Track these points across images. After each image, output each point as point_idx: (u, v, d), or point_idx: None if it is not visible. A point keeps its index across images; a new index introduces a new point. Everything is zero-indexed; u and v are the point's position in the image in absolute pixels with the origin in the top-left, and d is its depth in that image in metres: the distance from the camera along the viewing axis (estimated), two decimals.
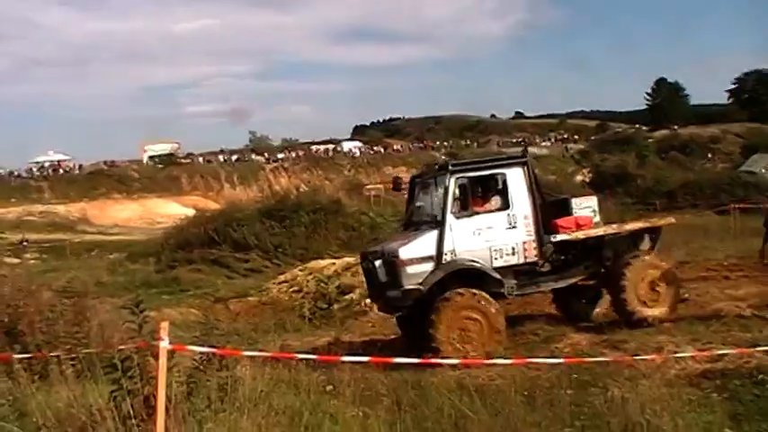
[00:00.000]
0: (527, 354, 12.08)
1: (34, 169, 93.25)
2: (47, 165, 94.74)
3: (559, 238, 14.12)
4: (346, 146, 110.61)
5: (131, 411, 5.92)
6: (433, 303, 13.07)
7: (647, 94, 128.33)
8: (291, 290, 24.01)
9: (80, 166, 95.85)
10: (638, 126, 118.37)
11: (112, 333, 11.63)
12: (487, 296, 13.19)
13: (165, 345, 5.19)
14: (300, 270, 25.82)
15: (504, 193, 14.04)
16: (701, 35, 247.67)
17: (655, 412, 7.31)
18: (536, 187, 14.37)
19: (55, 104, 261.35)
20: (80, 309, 12.01)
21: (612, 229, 14.57)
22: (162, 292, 29.59)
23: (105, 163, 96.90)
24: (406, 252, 13.57)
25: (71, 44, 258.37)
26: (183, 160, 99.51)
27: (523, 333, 14.07)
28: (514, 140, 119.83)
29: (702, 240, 22.72)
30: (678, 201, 55.05)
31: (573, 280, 14.59)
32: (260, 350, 11.74)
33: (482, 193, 14.42)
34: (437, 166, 14.93)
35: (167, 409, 5.64)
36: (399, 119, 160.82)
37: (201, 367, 6.96)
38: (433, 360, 8.81)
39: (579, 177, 75.65)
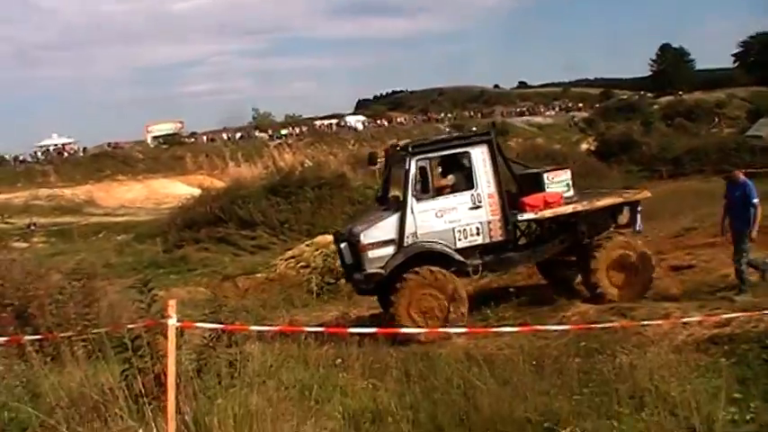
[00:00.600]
0: (535, 323, 12.09)
1: (39, 153, 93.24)
2: (51, 148, 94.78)
3: (525, 217, 13.98)
4: (350, 120, 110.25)
5: (142, 389, 5.96)
6: (393, 284, 13.14)
7: (652, 60, 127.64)
8: (299, 265, 24.00)
9: (84, 149, 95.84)
10: (642, 93, 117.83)
11: (122, 313, 11.74)
12: (446, 273, 13.14)
13: (173, 323, 5.22)
14: (307, 245, 25.78)
15: (468, 172, 13.81)
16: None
17: (663, 378, 7.33)
18: (505, 164, 14.33)
19: (58, 88, 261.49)
20: (89, 290, 12.07)
21: (582, 205, 14.04)
22: (170, 272, 29.76)
23: (109, 145, 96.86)
24: (367, 236, 13.53)
25: (72, 26, 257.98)
26: (186, 140, 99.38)
27: (531, 302, 14.04)
28: (518, 110, 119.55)
29: (709, 206, 22.53)
30: (684, 167, 54.78)
31: (547, 255, 14.54)
32: (269, 326, 11.81)
33: (446, 172, 14.33)
34: (398, 148, 14.62)
35: (178, 387, 5.67)
36: (403, 92, 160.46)
37: (211, 344, 7.01)
38: (441, 330, 8.79)
39: (584, 146, 75.27)
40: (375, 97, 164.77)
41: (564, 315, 12.82)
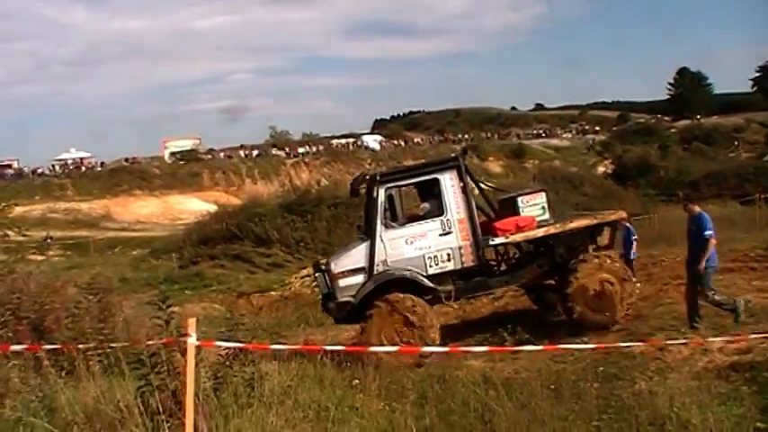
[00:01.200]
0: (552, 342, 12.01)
1: (57, 167, 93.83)
2: (69, 162, 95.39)
3: (497, 241, 13.94)
4: (367, 139, 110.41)
5: (159, 407, 5.92)
6: (364, 312, 13.18)
7: (670, 83, 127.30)
8: (314, 284, 23.98)
9: (102, 164, 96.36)
10: (659, 116, 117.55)
11: (137, 329, 11.74)
12: (416, 299, 13.13)
13: (192, 341, 5.20)
14: None
15: (438, 198, 13.75)
16: (724, 23, 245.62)
17: (684, 405, 7.24)
18: (478, 188, 14.57)
19: (77, 102, 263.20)
20: (105, 305, 12.07)
21: (555, 228, 13.94)
22: (185, 288, 29.76)
23: (127, 160, 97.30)
24: (337, 265, 13.71)
25: (93, 43, 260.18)
26: (203, 156, 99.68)
27: (547, 325, 13.95)
28: (535, 132, 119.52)
29: (727, 231, 22.37)
30: (702, 191, 54.38)
31: (525, 280, 14.51)
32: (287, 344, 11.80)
33: (421, 200, 14.38)
34: (367, 177, 14.56)
35: (195, 405, 5.63)
36: (420, 112, 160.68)
37: (228, 362, 6.98)
38: (462, 348, 8.73)
39: (601, 169, 75.12)
40: (392, 117, 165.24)
41: (582, 340, 12.70)
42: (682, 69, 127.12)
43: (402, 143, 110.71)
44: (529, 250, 14.74)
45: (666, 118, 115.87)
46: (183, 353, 6.29)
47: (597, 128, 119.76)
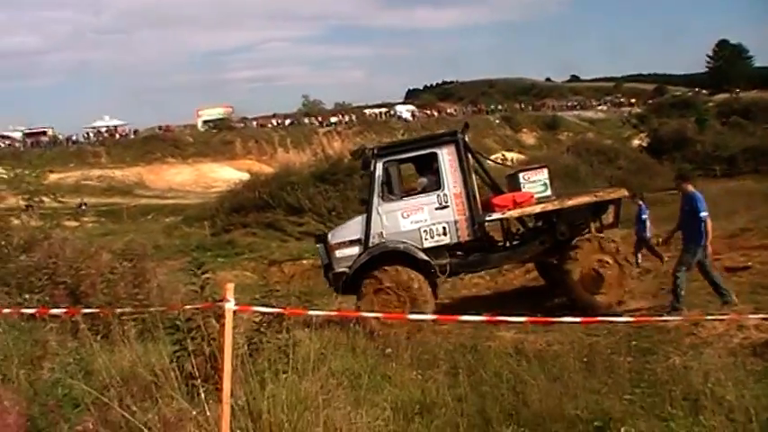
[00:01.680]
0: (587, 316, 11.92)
1: (91, 134, 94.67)
2: (103, 130, 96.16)
3: (493, 217, 13.96)
4: (399, 109, 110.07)
5: (195, 371, 5.97)
6: (359, 283, 13.32)
7: (709, 56, 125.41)
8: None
9: (135, 132, 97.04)
10: (697, 89, 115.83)
11: (171, 295, 11.86)
12: (410, 272, 13.22)
13: (230, 306, 5.23)
14: None
15: (437, 173, 13.79)
16: None
17: (719, 381, 7.14)
18: (477, 164, 14.43)
19: (111, 71, 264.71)
20: (139, 271, 12.21)
21: (553, 205, 13.83)
22: (217, 255, 29.92)
23: (160, 128, 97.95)
24: (334, 237, 14.07)
25: (127, 11, 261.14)
26: (236, 125, 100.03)
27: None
28: (570, 104, 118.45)
29: (765, 207, 22.06)
30: (739, 166, 53.78)
31: (526, 256, 14.58)
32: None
33: (420, 174, 14.51)
34: (365, 151, 14.80)
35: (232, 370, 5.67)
36: (453, 82, 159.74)
37: (261, 329, 7.02)
38: (500, 318, 8.71)
39: (636, 142, 74.08)
40: (425, 87, 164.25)
41: (614, 312, 12.62)
42: (721, 42, 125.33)
43: (435, 113, 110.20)
44: (536, 227, 14.70)
45: (704, 91, 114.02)
46: (218, 318, 6.34)
47: (633, 100, 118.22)
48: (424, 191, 13.87)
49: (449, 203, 13.58)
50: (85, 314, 8.47)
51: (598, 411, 6.86)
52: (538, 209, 13.85)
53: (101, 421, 5.37)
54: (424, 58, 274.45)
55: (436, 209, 13.59)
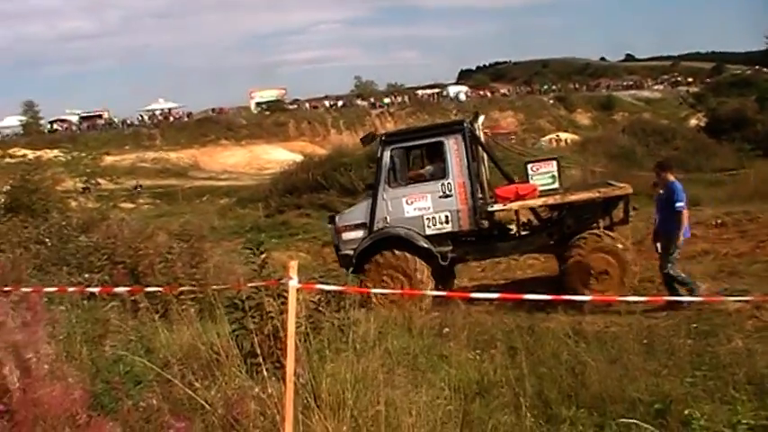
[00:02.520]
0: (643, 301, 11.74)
1: (146, 117, 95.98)
2: (158, 113, 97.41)
3: (495, 208, 13.94)
4: (452, 90, 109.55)
5: (255, 349, 6.02)
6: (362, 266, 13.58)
7: None
8: None
9: (189, 114, 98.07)
10: (757, 67, 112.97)
11: (227, 275, 11.98)
12: (410, 256, 13.51)
13: (293, 284, 5.26)
14: None
15: (443, 161, 13.92)
16: None
17: None
18: (486, 154, 14.65)
19: (165, 54, 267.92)
20: (196, 251, 12.36)
21: (554, 200, 13.82)
22: (271, 236, 30.13)
23: (214, 110, 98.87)
24: (341, 219, 14.57)
25: None
26: (289, 106, 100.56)
27: (640, 281, 13.66)
28: (625, 84, 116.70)
29: None
30: None
31: (533, 248, 14.66)
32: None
33: (423, 161, 14.84)
34: (374, 138, 15.08)
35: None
36: (506, 63, 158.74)
37: (320, 308, 7.06)
38: (568, 297, 8.69)
39: (694, 122, 72.77)
40: (478, 68, 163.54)
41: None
42: None
43: (488, 94, 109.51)
44: (548, 218, 14.65)
45: (765, 69, 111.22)
46: (277, 297, 6.38)
47: (690, 79, 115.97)
48: (430, 179, 14.09)
49: (452, 192, 13.74)
50: (145, 293, 8.59)
51: (658, 394, 6.75)
52: (539, 202, 13.92)
53: (163, 398, 5.43)
54: (476, 39, 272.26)
55: (440, 197, 13.78)
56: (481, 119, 15.39)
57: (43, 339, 5.46)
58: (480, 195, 14.07)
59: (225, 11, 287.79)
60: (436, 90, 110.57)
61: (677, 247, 12.09)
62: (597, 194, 13.78)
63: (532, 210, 14.49)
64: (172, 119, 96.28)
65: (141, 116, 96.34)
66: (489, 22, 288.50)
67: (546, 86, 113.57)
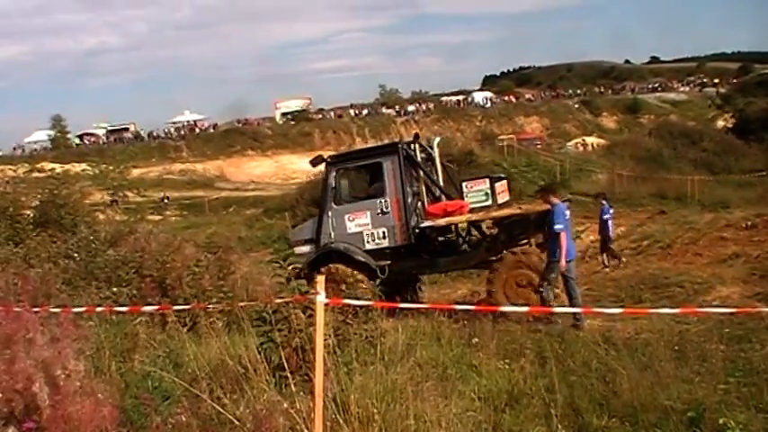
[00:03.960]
0: (673, 308, 11.61)
1: (172, 129, 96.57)
2: (184, 125, 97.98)
3: (425, 224, 14.50)
4: (477, 96, 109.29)
5: (283, 363, 6.00)
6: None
7: None
8: None
9: (215, 125, 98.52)
10: None
11: (255, 286, 11.99)
12: (347, 270, 14.20)
13: (321, 299, 5.26)
14: None
15: (381, 180, 14.65)
16: None
17: None
18: (424, 173, 15.04)
19: (189, 66, 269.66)
20: (224, 263, 12.40)
21: (477, 216, 14.32)
22: None
23: (239, 121, 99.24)
24: (293, 235, 16.25)
25: (205, 6, 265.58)
26: (314, 116, 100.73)
27: (668, 285, 13.54)
28: (650, 86, 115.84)
29: None
30: None
31: (472, 262, 15.02)
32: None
33: (367, 181, 15.59)
34: (323, 160, 15.61)
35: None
36: (530, 68, 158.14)
37: (348, 320, 7.04)
38: (596, 309, 8.62)
39: (721, 123, 72.02)
40: (502, 73, 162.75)
41: (704, 299, 12.30)
42: None
43: (513, 99, 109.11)
44: (491, 233, 14.98)
45: None
46: (304, 310, 6.37)
47: (716, 80, 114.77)
48: (368, 197, 14.92)
49: (389, 209, 14.46)
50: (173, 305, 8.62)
51: (691, 401, 6.67)
52: (462, 219, 14.38)
53: (192, 413, 5.42)
54: (500, 44, 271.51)
55: (378, 214, 14.54)
56: (437, 140, 16.59)
57: (72, 355, 5.48)
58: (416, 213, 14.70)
59: (248, 21, 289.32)
60: (461, 96, 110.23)
61: (552, 270, 12.24)
62: (517, 210, 14.32)
63: (476, 226, 15.04)
64: (198, 130, 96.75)
65: (168, 128, 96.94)
66: (512, 27, 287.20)
67: (571, 90, 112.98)
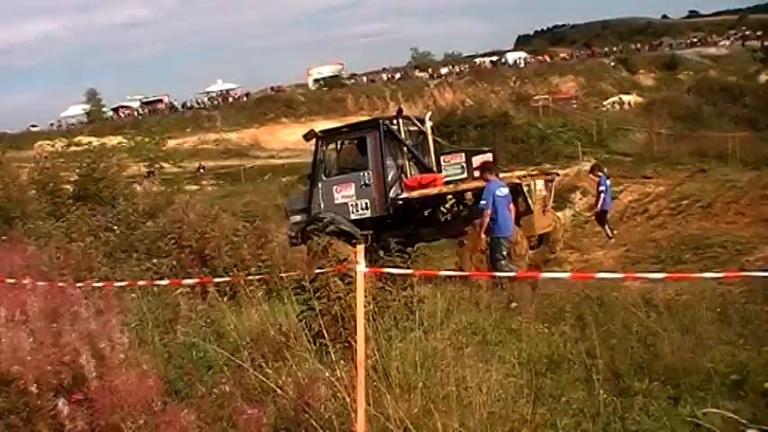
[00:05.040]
0: (715, 267, 11.48)
1: (205, 99, 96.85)
2: (217, 94, 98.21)
3: (401, 196, 15.20)
4: (510, 57, 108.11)
5: (323, 331, 6.04)
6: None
7: None
8: None
9: (248, 94, 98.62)
10: None
11: (293, 254, 12.03)
12: (332, 239, 13.87)
13: (361, 268, 5.27)
14: None
15: (365, 154, 15.60)
16: None
17: None
18: (406, 147, 15.70)
19: (220, 35, 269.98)
20: (261, 232, 12.46)
21: (448, 188, 14.88)
22: None
23: (272, 89, 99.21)
24: (288, 204, 17.40)
25: None
26: (347, 81, 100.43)
27: (709, 246, 13.36)
28: (689, 41, 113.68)
29: None
30: None
31: (452, 232, 15.27)
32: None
33: (355, 154, 16.38)
34: (312, 134, 16.65)
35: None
36: (564, 26, 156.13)
37: (387, 287, 7.05)
38: (637, 275, 8.58)
39: (764, 77, 70.50)
40: (535, 32, 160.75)
41: (747, 259, 12.13)
42: None
43: (547, 59, 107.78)
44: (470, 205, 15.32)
45: None
46: (343, 278, 6.40)
47: (759, 33, 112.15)
48: (355, 170, 15.79)
49: (370, 182, 15.35)
50: (213, 275, 8.68)
51: (735, 364, 6.58)
52: (434, 191, 14.92)
53: (235, 383, 5.49)
54: (532, 2, 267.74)
55: (361, 186, 15.48)
56: (428, 116, 17.25)
57: (116, 327, 5.57)
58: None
59: None
60: (494, 57, 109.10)
61: (496, 248, 12.74)
62: (477, 184, 14.30)
63: (459, 198, 15.50)
64: (231, 99, 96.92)
65: (201, 99, 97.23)
66: None
67: (607, 48, 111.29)
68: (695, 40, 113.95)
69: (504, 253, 12.68)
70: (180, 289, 8.44)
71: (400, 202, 15.17)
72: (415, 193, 14.98)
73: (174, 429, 4.61)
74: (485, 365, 6.25)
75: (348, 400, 5.06)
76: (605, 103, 72.24)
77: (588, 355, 7.02)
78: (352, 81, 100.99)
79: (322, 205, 15.69)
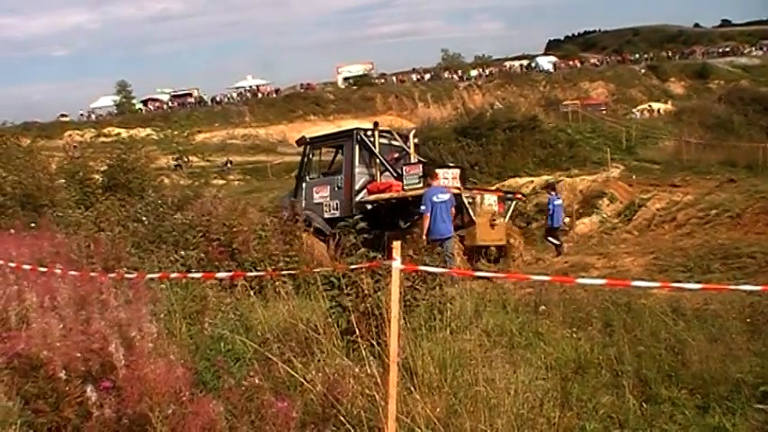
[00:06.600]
0: (743, 278, 11.37)
1: (235, 95, 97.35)
2: (246, 90, 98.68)
3: (364, 199, 16.75)
4: (541, 61, 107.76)
5: (353, 327, 6.04)
6: None
7: None
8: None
9: (277, 90, 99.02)
10: None
11: (320, 250, 12.03)
12: (307, 235, 14.54)
13: (397, 264, 5.27)
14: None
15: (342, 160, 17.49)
16: None
17: None
18: (376, 156, 17.14)
19: (252, 32, 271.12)
20: (289, 227, 12.50)
21: (390, 195, 16.27)
22: None
23: (302, 86, 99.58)
24: (280, 200, 19.08)
25: None
26: (376, 80, 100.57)
27: (739, 256, 13.24)
28: (721, 50, 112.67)
29: None
30: None
31: (407, 236, 15.39)
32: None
33: (336, 160, 18.59)
34: (303, 140, 18.74)
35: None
36: (595, 32, 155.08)
37: (415, 286, 7.04)
38: (674, 284, 8.54)
39: None
40: (566, 37, 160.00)
41: None
42: None
43: (578, 64, 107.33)
44: None
45: None
46: (372, 275, 6.40)
47: None
48: (332, 174, 17.78)
49: (342, 186, 17.10)
50: (242, 269, 8.71)
51: (764, 375, 6.52)
52: (384, 197, 16.44)
53: (264, 376, 5.49)
54: (564, 8, 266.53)
55: (335, 189, 17.30)
56: (412, 133, 19.47)
57: (146, 317, 5.60)
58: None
59: None
60: (524, 61, 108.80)
61: (442, 245, 13.48)
62: (399, 194, 16.09)
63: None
64: (260, 95, 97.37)
65: (231, 93, 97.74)
66: None
67: (637, 55, 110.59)
68: (727, 49, 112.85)
69: (448, 253, 13.48)
70: (208, 281, 8.47)
71: (368, 206, 16.43)
72: (371, 197, 16.54)
73: (201, 420, 4.62)
74: (512, 367, 6.24)
75: (377, 396, 5.06)
76: (635, 110, 71.79)
77: (616, 361, 6.99)
78: (382, 81, 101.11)
79: (304, 204, 17.10)
